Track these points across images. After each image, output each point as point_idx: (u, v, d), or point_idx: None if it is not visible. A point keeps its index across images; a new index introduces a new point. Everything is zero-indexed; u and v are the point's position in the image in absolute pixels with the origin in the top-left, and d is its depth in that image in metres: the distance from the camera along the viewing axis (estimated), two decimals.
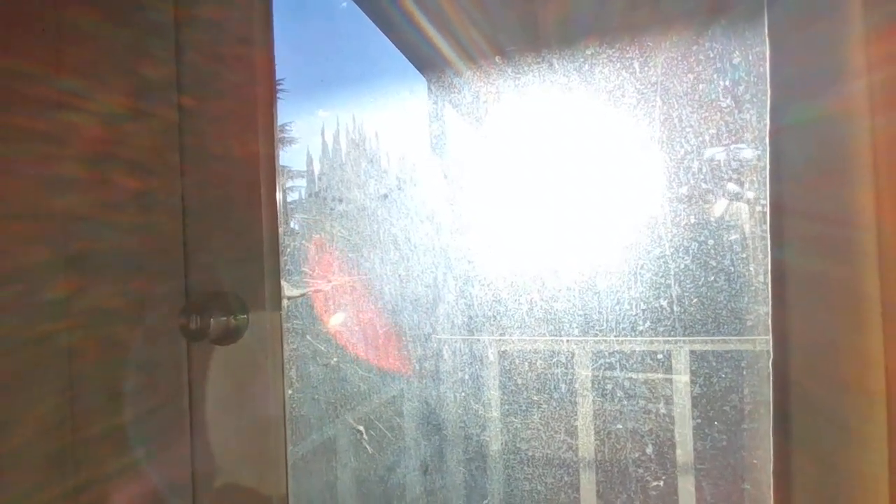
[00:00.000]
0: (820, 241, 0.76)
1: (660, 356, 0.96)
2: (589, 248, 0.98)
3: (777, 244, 0.75)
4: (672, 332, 0.92)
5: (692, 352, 0.96)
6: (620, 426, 0.96)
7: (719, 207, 0.92)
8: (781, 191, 0.77)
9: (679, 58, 0.91)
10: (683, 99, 0.91)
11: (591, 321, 0.96)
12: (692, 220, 0.91)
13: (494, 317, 1.01)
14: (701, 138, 0.89)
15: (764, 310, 0.85)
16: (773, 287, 0.76)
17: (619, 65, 0.94)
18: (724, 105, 0.89)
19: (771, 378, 0.76)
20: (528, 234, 1.03)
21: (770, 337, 0.75)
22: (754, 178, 0.88)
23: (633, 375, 0.95)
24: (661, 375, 0.96)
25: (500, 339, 1.00)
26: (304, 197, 1.13)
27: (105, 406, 1.11)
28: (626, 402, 0.95)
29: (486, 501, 1.05)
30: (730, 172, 0.89)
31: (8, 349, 0.95)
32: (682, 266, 0.91)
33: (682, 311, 0.91)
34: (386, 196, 1.09)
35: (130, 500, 1.05)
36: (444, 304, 1.03)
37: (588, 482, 1.00)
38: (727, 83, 0.89)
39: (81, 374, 1.05)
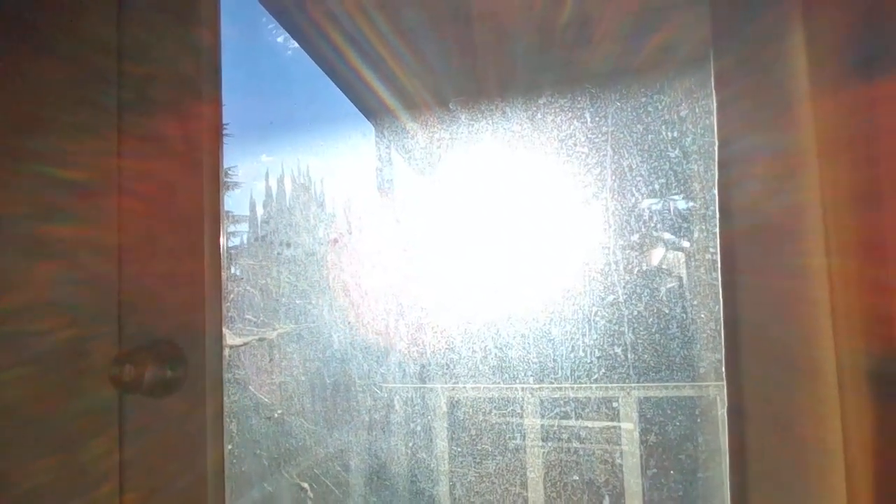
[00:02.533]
0: (770, 289, 0.77)
1: (611, 403, 0.95)
2: (540, 295, 0.98)
3: (728, 290, 0.76)
4: (624, 379, 0.92)
5: (643, 398, 0.96)
6: (576, 477, 0.94)
7: (668, 255, 0.94)
8: (731, 239, 0.79)
9: (628, 109, 0.94)
10: (633, 149, 0.92)
11: (544, 368, 0.95)
12: (642, 268, 0.91)
13: (447, 364, 0.99)
14: (651, 187, 0.91)
15: (715, 357, 0.86)
16: (726, 335, 0.77)
17: (570, 114, 0.96)
18: (672, 155, 0.91)
19: (726, 424, 0.76)
20: (480, 280, 1.02)
21: (724, 383, 0.75)
22: (704, 227, 0.89)
23: (586, 423, 0.94)
24: (611, 423, 0.95)
25: (451, 388, 0.97)
26: (249, 241, 1.09)
27: (27, 464, 1.01)
28: (578, 450, 0.94)
29: None
30: (679, 220, 0.90)
31: None
32: (635, 313, 0.92)
33: (635, 357, 0.91)
34: (336, 241, 1.06)
35: None
36: (396, 353, 1.00)
37: None
38: (675, 134, 0.91)
39: (2, 425, 0.96)
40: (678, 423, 0.92)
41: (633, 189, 0.93)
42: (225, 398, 1.09)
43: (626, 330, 0.91)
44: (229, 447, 1.09)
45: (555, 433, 0.95)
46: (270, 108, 1.13)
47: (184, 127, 1.07)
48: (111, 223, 1.08)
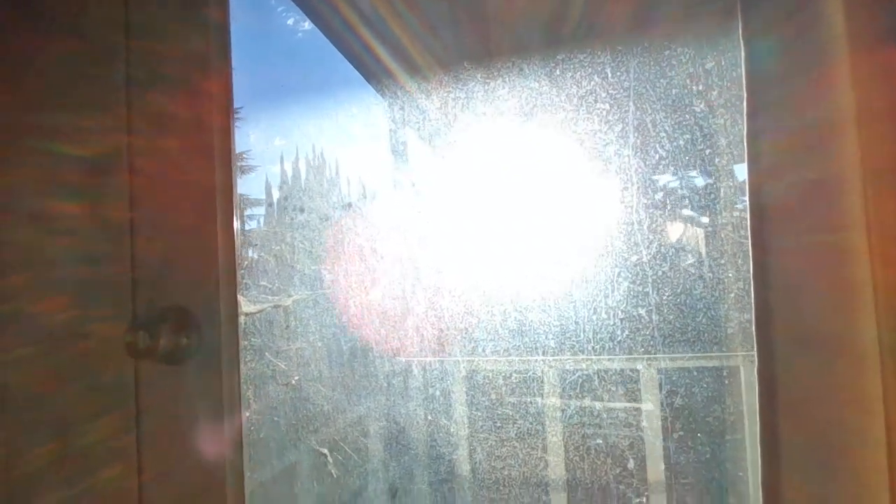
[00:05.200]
0: (803, 242, 0.74)
1: (634, 373, 0.93)
2: (561, 256, 0.95)
3: (758, 247, 0.73)
4: (648, 348, 0.90)
5: (667, 368, 0.94)
6: (600, 441, 0.93)
7: (694, 214, 0.91)
8: (760, 194, 0.76)
9: (651, 63, 0.90)
10: (657, 104, 0.89)
11: (564, 332, 0.93)
12: (667, 227, 0.89)
13: (466, 329, 0.97)
14: (675, 143, 0.88)
15: (743, 318, 0.84)
16: (756, 292, 0.75)
17: (590, 70, 0.92)
18: (697, 110, 0.88)
19: (757, 386, 0.74)
20: (498, 243, 1.00)
21: (755, 343, 0.73)
22: (731, 184, 0.87)
23: (609, 388, 0.92)
24: (633, 395, 0.93)
25: (469, 350, 0.96)
26: (263, 207, 1.07)
27: (45, 431, 1.02)
28: (601, 415, 0.92)
29: None
30: (706, 178, 0.87)
31: None
32: (659, 273, 0.89)
33: (659, 319, 0.89)
34: (350, 205, 1.04)
35: None
36: (413, 317, 0.98)
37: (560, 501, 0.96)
38: (700, 87, 0.88)
39: (20, 395, 0.96)
40: (703, 395, 0.90)
41: (657, 145, 0.90)
42: (242, 365, 1.08)
43: (651, 291, 0.89)
44: (247, 414, 1.09)
45: (575, 399, 0.94)
46: (282, 87, 1.10)
47: (194, 95, 1.05)
48: (122, 195, 1.07)
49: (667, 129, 0.89)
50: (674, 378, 0.89)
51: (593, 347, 0.90)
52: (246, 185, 1.08)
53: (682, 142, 0.88)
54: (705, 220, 0.88)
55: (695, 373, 0.89)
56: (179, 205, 1.07)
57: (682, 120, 0.87)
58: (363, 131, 0.99)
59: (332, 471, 1.03)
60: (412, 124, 1.00)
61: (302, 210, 1.05)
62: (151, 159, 1.05)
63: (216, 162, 1.06)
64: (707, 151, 0.87)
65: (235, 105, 1.11)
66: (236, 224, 1.08)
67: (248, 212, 1.09)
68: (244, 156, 1.10)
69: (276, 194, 1.07)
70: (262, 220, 1.08)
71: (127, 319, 1.04)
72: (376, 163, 1.02)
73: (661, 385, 0.90)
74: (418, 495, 1.02)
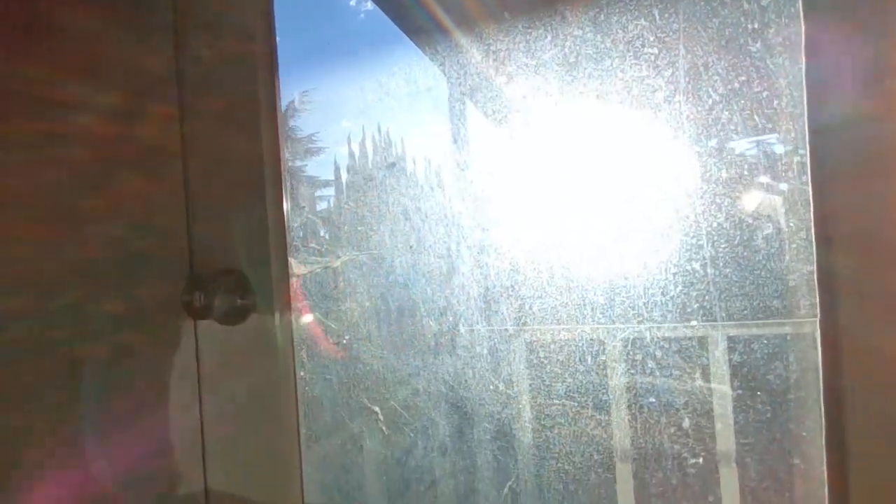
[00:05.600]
0: (865, 191, 0.69)
1: (699, 334, 0.89)
2: (612, 211, 0.93)
3: (819, 196, 0.69)
4: (708, 314, 0.86)
5: (732, 336, 0.89)
6: (653, 399, 0.90)
7: (753, 158, 0.86)
8: (820, 140, 0.71)
9: (701, 1, 0.85)
10: (708, 45, 0.84)
11: (618, 291, 0.90)
12: (723, 176, 0.84)
13: (512, 286, 0.96)
14: (729, 86, 0.83)
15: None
16: (818, 247, 0.70)
17: (636, 13, 0.88)
18: (753, 50, 0.83)
19: (819, 345, 0.70)
20: (545, 198, 0.97)
21: (817, 299, 0.69)
22: (791, 127, 0.81)
23: (672, 355, 0.89)
24: (701, 351, 0.90)
25: (517, 307, 0.95)
26: (311, 170, 1.09)
27: (110, 385, 1.08)
28: (660, 377, 0.90)
29: (510, 482, 1.01)
30: (763, 122, 0.82)
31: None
32: (714, 225, 0.85)
33: (716, 273, 0.85)
34: (394, 164, 1.04)
35: (138, 484, 1.03)
36: (458, 275, 0.98)
37: (622, 455, 0.95)
38: (755, 26, 0.82)
39: (87, 355, 1.02)
40: (774, 363, 0.86)
41: (710, 90, 0.85)
42: (294, 326, 1.11)
43: (706, 244, 0.85)
44: (301, 373, 1.12)
45: (631, 364, 0.91)
46: (323, 34, 1.11)
47: (240, 60, 1.07)
48: (175, 160, 1.10)
49: (720, 71, 0.84)
50: (743, 345, 0.86)
51: (649, 311, 0.87)
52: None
53: (736, 84, 0.83)
54: (766, 167, 0.83)
55: (765, 340, 0.85)
56: (231, 172, 1.10)
57: (736, 62, 0.82)
58: (404, 88, 0.99)
59: (383, 428, 1.05)
60: (453, 80, 0.99)
61: (348, 171, 1.07)
62: (202, 118, 1.08)
63: (263, 129, 1.09)
64: (764, 94, 0.82)
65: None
66: (285, 188, 1.10)
67: (293, 160, 1.11)
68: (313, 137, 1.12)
69: (321, 140, 1.09)
70: (309, 165, 1.10)
71: (185, 277, 1.09)
72: (416, 121, 1.02)
73: (729, 353, 0.87)
74: (467, 453, 1.02)
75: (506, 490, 0.98)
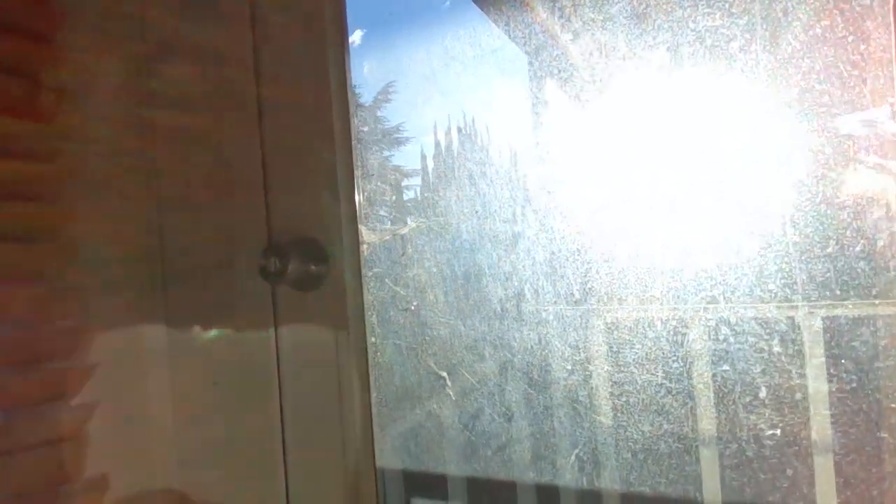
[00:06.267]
0: None
1: (792, 315, 0.84)
2: (686, 177, 0.88)
3: None
4: (806, 294, 0.80)
5: (829, 317, 0.83)
6: (727, 367, 0.86)
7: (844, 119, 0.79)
8: None
9: None
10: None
11: (696, 264, 0.86)
12: (814, 136, 0.78)
13: (578, 250, 0.94)
14: (811, 32, 0.77)
15: None
16: None
17: None
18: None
19: None
20: (614, 160, 0.95)
21: None
22: (880, 74, 0.74)
23: (764, 338, 0.84)
24: (796, 334, 0.84)
25: (583, 274, 0.93)
26: (377, 137, 1.11)
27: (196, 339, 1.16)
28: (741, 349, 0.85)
29: (576, 450, 0.99)
30: (849, 69, 0.76)
31: None
32: (810, 195, 0.80)
33: (813, 256, 0.80)
34: (460, 130, 1.04)
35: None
36: (525, 240, 0.97)
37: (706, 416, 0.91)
38: None
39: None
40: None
41: (791, 37, 0.79)
42: (365, 292, 1.13)
43: (796, 214, 0.79)
44: (372, 339, 1.15)
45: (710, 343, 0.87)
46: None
47: (309, 26, 1.10)
48: (253, 129, 1.15)
49: (801, 17, 0.78)
50: (843, 329, 0.80)
51: (729, 287, 0.83)
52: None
53: (818, 30, 0.77)
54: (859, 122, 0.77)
55: (867, 322, 0.79)
56: (301, 138, 1.14)
57: (819, 4, 0.76)
58: (469, 51, 0.98)
59: (450, 393, 1.06)
60: (517, 40, 0.98)
61: (415, 137, 1.08)
62: (275, 83, 1.12)
63: (334, 99, 1.12)
64: (849, 39, 0.76)
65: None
66: (355, 156, 1.13)
67: (361, 126, 1.13)
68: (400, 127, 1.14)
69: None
70: (374, 131, 1.12)
71: (263, 243, 1.14)
72: (482, 85, 1.01)
73: (827, 337, 0.81)
74: (534, 419, 1.01)
75: (572, 458, 0.97)
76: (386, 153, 1.11)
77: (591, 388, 0.95)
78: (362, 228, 1.11)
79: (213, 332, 1.16)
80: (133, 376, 1.17)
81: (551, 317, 0.97)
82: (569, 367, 0.97)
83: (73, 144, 1.08)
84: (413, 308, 1.10)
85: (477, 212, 1.02)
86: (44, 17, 1.08)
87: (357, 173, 1.10)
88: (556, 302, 0.95)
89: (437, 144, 1.07)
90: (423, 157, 1.10)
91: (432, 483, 1.15)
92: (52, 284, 1.05)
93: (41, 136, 1.05)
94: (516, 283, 0.99)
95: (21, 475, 0.98)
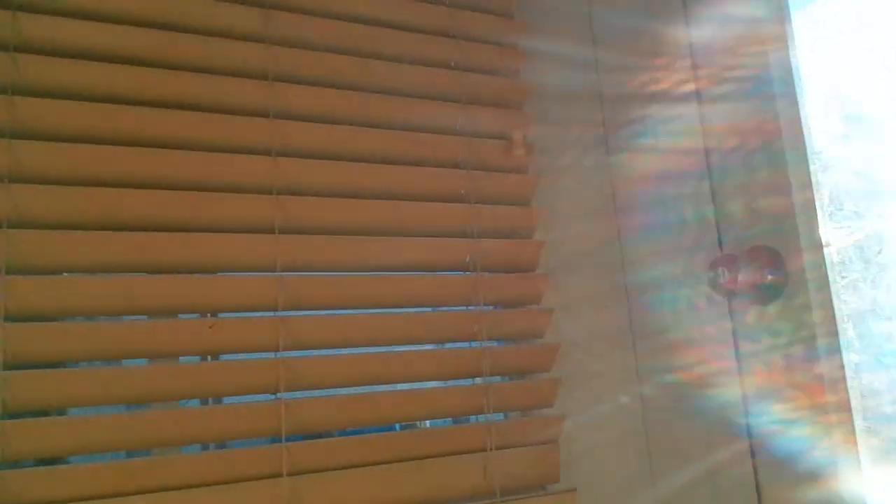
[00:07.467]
0: None
1: None
2: None
3: None
4: None
5: None
6: None
7: None
8: None
9: None
10: None
11: None
12: None
13: None
14: None
15: None
16: None
17: None
18: None
19: None
20: None
21: None
22: None
23: None
24: None
25: None
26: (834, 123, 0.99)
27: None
28: None
29: None
30: None
31: None
32: None
33: None
34: None
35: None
36: None
37: None
38: None
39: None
40: None
41: None
42: (836, 300, 1.03)
43: None
44: (851, 355, 0.99)
45: None
46: None
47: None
48: (698, 139, 1.19)
49: None
50: None
51: None
52: None
53: None
54: None
55: None
56: (748, 145, 1.12)
57: None
58: None
59: None
60: None
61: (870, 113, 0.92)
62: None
63: (778, 98, 1.07)
64: None
65: None
66: (809, 152, 1.04)
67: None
68: None
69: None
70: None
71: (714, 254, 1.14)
72: None
73: None
74: None
75: None
76: (840, 138, 0.98)
77: None
78: (826, 228, 0.99)
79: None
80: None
81: None
82: None
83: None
84: None
85: None
86: (514, 91, 1.35)
87: (813, 168, 1.01)
88: None
89: None
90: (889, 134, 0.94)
91: None
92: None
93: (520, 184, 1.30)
94: None
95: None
